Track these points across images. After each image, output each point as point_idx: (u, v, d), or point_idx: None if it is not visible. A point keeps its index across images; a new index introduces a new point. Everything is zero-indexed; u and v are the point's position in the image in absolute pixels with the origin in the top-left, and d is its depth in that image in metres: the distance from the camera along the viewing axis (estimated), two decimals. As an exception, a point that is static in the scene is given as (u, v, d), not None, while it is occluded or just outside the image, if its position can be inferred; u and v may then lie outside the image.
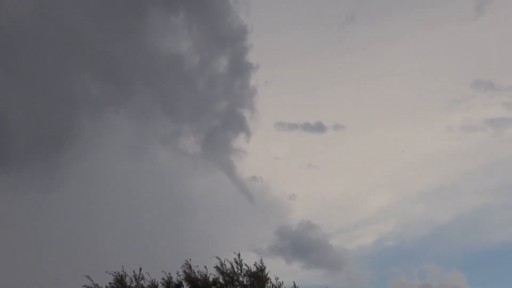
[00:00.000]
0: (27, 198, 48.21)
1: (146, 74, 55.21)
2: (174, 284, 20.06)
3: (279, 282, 20.05)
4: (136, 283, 19.74)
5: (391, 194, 69.39)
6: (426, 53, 70.15)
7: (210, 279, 19.95)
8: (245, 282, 20.06)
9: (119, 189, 53.86)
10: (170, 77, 56.34)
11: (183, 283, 20.06)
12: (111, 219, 49.96)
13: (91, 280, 19.43)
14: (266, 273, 20.14)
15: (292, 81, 72.21)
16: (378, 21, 68.87)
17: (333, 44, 71.32)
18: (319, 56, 69.82)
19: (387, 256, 65.40)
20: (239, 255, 20.17)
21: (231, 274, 19.91)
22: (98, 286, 19.51)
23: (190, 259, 20.23)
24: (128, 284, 19.70)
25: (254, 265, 20.17)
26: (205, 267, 20.05)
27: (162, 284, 20.08)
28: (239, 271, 20.06)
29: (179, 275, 20.09)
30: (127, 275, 19.68)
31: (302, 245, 55.89)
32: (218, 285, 19.80)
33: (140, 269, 19.86)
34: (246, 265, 20.13)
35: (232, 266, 20.02)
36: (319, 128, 64.39)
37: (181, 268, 20.08)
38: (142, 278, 19.82)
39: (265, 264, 20.22)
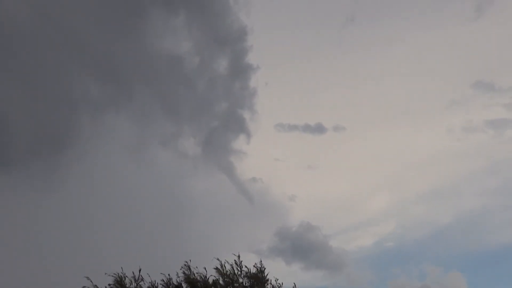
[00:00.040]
0: (27, 198, 48.25)
1: (146, 75, 55.28)
2: (173, 286, 20.05)
3: (279, 284, 20.09)
4: (135, 285, 19.74)
5: (391, 195, 69.38)
6: (426, 54, 70.21)
7: (210, 281, 19.94)
8: (245, 284, 20.05)
9: (119, 190, 53.86)
10: (170, 78, 56.42)
11: (183, 284, 20.06)
12: (111, 220, 49.94)
13: (91, 281, 19.45)
14: (266, 274, 20.17)
15: (292, 82, 72.20)
16: (378, 22, 68.93)
17: (333, 45, 71.49)
18: (319, 57, 69.87)
19: (387, 257, 65.35)
20: (238, 256, 20.22)
21: (231, 276, 19.90)
22: (98, 287, 19.53)
23: (190, 260, 20.27)
24: (127, 285, 19.69)
25: (254, 266, 20.21)
26: (205, 269, 20.07)
27: (162, 285, 20.08)
28: (239, 273, 20.07)
29: (179, 277, 20.10)
30: (127, 276, 19.68)
31: (302, 246, 55.85)
32: (218, 286, 19.80)
33: (140, 270, 19.87)
34: (246, 266, 20.17)
35: (232, 267, 20.03)
36: (319, 129, 64.38)
37: (180, 269, 20.11)
38: (142, 280, 19.82)
39: (265, 265, 20.27)
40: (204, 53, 57.13)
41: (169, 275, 20.12)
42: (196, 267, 20.13)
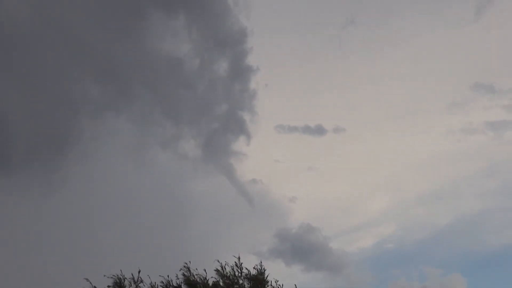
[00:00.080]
0: (27, 199, 48.21)
1: (146, 76, 55.29)
2: (173, 287, 20.01)
3: (279, 285, 20.04)
4: (135, 286, 19.69)
5: (391, 197, 69.34)
6: (426, 55, 70.29)
7: (210, 282, 19.90)
8: (245, 285, 20.01)
9: (119, 191, 53.85)
10: (170, 80, 56.42)
11: (182, 286, 20.01)
12: (110, 222, 49.91)
13: (90, 282, 19.39)
14: (266, 276, 20.12)
15: (292, 83, 72.09)
16: (379, 24, 69.12)
17: (333, 47, 71.32)
18: (319, 58, 69.97)
19: (387, 259, 65.32)
20: (239, 258, 20.18)
21: (231, 277, 19.87)
22: (97, 289, 19.49)
23: (190, 262, 20.22)
24: (127, 287, 19.64)
25: (254, 268, 20.17)
26: (205, 270, 20.02)
27: (161, 287, 20.02)
28: (239, 274, 20.03)
29: (178, 278, 20.06)
30: (126, 278, 19.64)
31: (302, 248, 55.78)
32: (218, 288, 19.78)
33: (139, 272, 19.82)
34: (246, 268, 20.12)
35: (232, 269, 19.99)
36: (319, 130, 64.34)
37: (180, 271, 20.07)
38: (141, 281, 19.77)
39: (265, 267, 20.22)
40: (204, 55, 57.26)
41: (168, 276, 20.08)
42: (196, 268, 20.10)
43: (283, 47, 69.91)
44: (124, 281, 19.59)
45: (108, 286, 19.48)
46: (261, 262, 20.21)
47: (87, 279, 19.36)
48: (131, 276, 19.68)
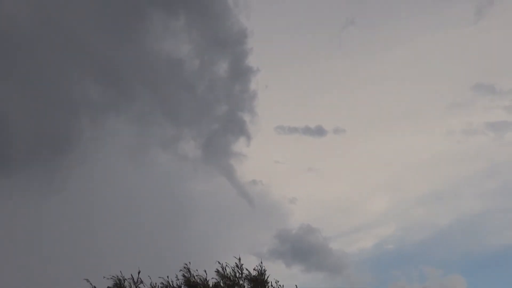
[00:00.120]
0: (27, 200, 48.25)
1: (146, 77, 55.31)
2: (173, 288, 19.98)
3: (280, 286, 20.02)
4: (135, 287, 19.65)
5: (391, 198, 69.22)
6: (426, 56, 70.26)
7: (210, 283, 19.87)
8: (246, 286, 19.99)
9: (119, 192, 53.85)
10: (170, 81, 56.44)
11: (183, 287, 19.97)
12: (111, 222, 49.91)
13: (90, 283, 19.34)
14: (266, 276, 20.11)
15: (292, 84, 72.04)
16: (379, 24, 68.99)
17: (333, 47, 71.20)
18: (319, 59, 69.85)
19: (387, 260, 65.20)
20: (239, 259, 20.16)
21: (232, 278, 19.84)
22: (97, 290, 19.44)
23: (190, 262, 20.18)
24: (127, 288, 19.62)
25: (254, 269, 20.14)
26: (205, 271, 20.00)
27: (161, 288, 19.99)
28: (239, 275, 20.00)
29: (178, 279, 20.02)
30: (126, 278, 19.59)
31: (302, 249, 55.70)
32: (218, 289, 19.74)
33: (139, 273, 19.76)
34: (246, 269, 20.10)
35: (233, 270, 19.97)
36: (319, 131, 64.28)
37: (180, 271, 20.04)
38: (141, 282, 19.72)
39: (265, 268, 20.20)
40: (204, 56, 57.28)
41: (168, 277, 20.04)
42: (196, 269, 20.06)
43: (283, 48, 69.99)
44: (124, 282, 19.54)
45: (108, 287, 19.46)
46: (261, 263, 20.22)
47: (87, 280, 19.33)
48: (131, 277, 19.64)
